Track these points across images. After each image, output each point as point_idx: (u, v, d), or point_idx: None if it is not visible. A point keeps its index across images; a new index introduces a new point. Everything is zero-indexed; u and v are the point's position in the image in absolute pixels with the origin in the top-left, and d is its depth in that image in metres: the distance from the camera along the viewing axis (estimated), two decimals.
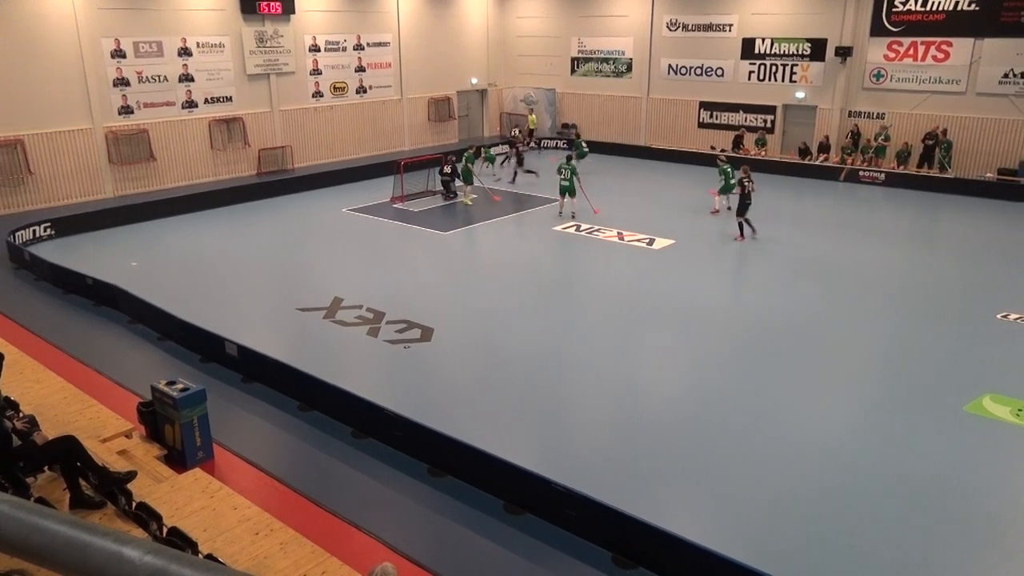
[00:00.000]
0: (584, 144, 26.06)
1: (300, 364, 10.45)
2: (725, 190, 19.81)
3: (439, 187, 22.99)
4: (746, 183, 17.64)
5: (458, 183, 22.38)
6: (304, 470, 8.78)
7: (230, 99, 24.40)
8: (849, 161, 25.11)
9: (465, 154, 22.57)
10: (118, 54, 21.65)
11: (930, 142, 24.01)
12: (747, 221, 17.82)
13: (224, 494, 7.28)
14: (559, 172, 20.13)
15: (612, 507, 7.27)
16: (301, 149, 26.45)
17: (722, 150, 27.63)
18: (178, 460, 8.24)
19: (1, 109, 19.68)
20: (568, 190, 19.92)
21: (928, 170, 23.96)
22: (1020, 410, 9.94)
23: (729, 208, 19.37)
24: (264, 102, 25.37)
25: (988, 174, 23.20)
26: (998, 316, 13.16)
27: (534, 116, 31.92)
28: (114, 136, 21.79)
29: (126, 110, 22.08)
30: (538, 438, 9.46)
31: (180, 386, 8.43)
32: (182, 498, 7.16)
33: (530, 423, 9.83)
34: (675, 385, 11.03)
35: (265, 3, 24.24)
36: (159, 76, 22.59)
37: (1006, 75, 22.76)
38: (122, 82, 21.87)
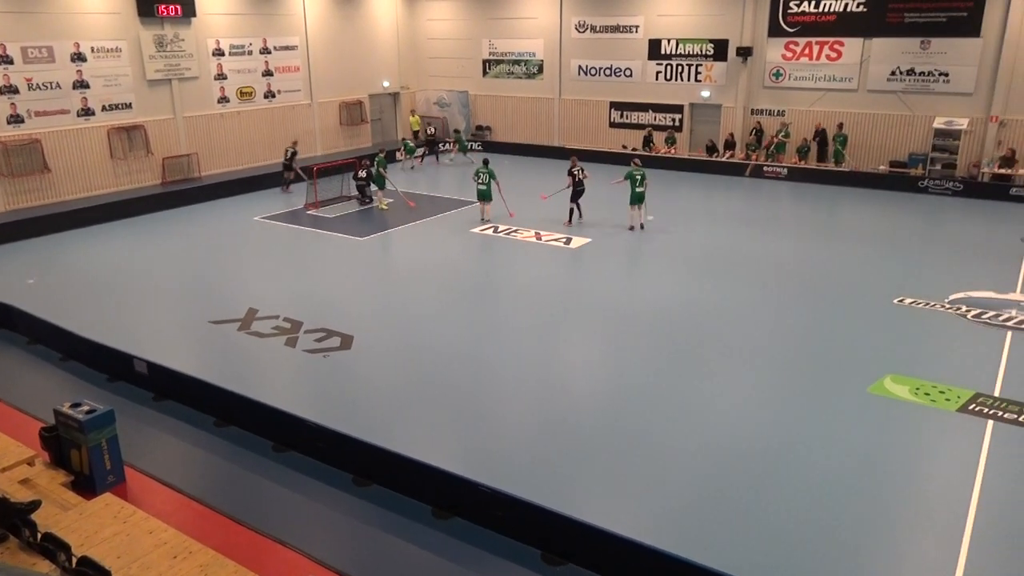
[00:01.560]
0: (464, 139, 27.18)
1: (215, 379, 10.13)
2: (636, 200, 18.48)
3: (354, 192, 22.67)
4: (576, 172, 19.15)
5: (372, 188, 22.13)
6: (224, 488, 8.51)
7: (130, 106, 23.39)
8: (754, 157, 26.09)
9: (377, 158, 22.34)
10: (5, 60, 20.44)
11: (816, 139, 25.32)
12: (578, 206, 19.43)
13: (138, 518, 6.98)
14: (476, 177, 20.14)
15: (539, 505, 7.34)
16: (208, 156, 25.60)
17: (633, 149, 28.28)
18: (87, 486, 7.85)
19: None
20: (485, 195, 19.91)
21: (826, 164, 25.15)
22: (918, 388, 10.55)
23: (643, 227, 18.72)
24: (166, 108, 24.43)
25: (881, 167, 24.53)
26: (895, 301, 13.93)
27: (416, 118, 32.00)
28: (3, 147, 20.55)
29: (15, 119, 20.86)
30: (463, 441, 9.46)
31: (86, 408, 8.03)
32: (92, 525, 6.83)
33: (455, 426, 9.81)
34: (596, 381, 11.21)
35: (164, 5, 23.34)
36: (51, 83, 21.45)
37: (893, 73, 24.11)
38: (10, 89, 20.66)
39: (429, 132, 29.03)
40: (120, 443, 8.22)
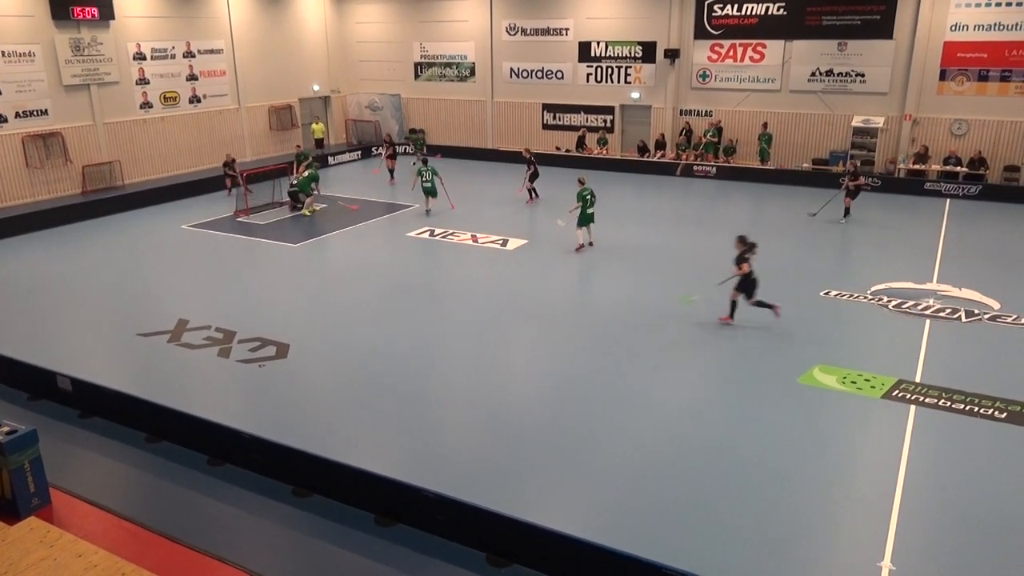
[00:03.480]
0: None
1: (145, 393, 9.82)
2: (586, 221, 17.24)
3: (286, 198, 22.27)
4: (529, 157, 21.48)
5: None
6: (157, 506, 8.24)
7: (46, 112, 22.45)
8: (684, 157, 26.66)
9: (305, 152, 22.08)
10: None
11: (715, 139, 26.44)
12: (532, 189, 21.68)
13: (66, 542, 6.73)
14: (420, 175, 20.63)
15: (482, 507, 7.34)
16: (131, 164, 24.76)
17: (567, 150, 28.54)
18: (9, 511, 7.50)
19: None
20: (431, 191, 20.63)
21: (752, 163, 25.90)
22: (845, 377, 10.95)
23: (592, 244, 17.61)
24: (86, 115, 23.53)
25: (804, 164, 25.38)
26: (821, 293, 14.43)
27: (320, 125, 31.27)
28: None
29: None
30: (404, 446, 9.38)
31: (6, 429, 7.68)
32: (16, 552, 6.55)
33: (395, 432, 9.72)
34: (535, 381, 11.27)
35: (79, 8, 22.48)
36: None
37: (813, 74, 24.98)
38: None
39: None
40: (44, 464, 7.89)
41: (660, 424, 9.77)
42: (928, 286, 14.77)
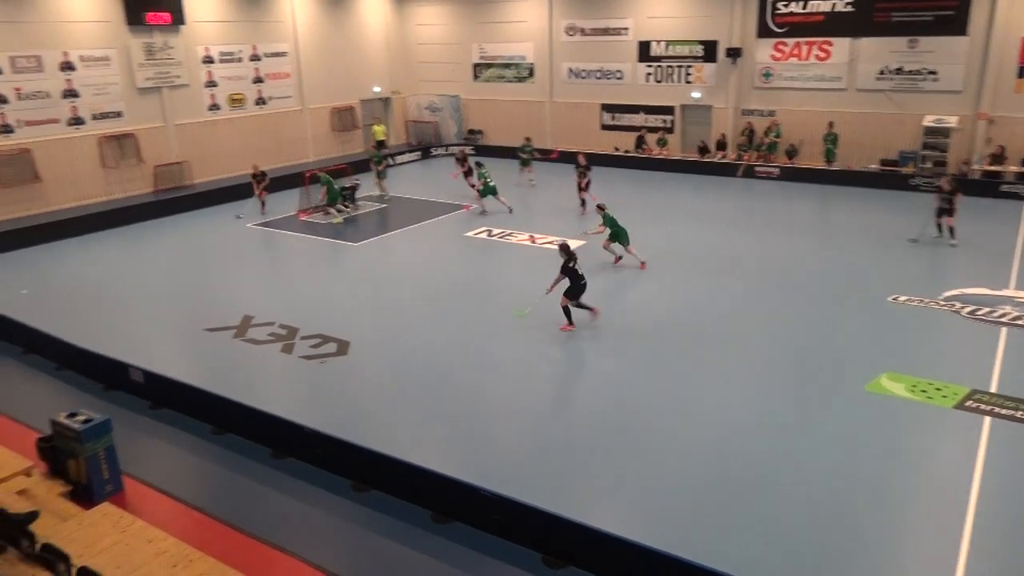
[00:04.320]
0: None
1: (211, 386, 10.10)
2: (616, 238, 16.24)
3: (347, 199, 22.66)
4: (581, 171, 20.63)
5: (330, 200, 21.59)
6: (222, 496, 8.47)
7: (120, 114, 23.31)
8: (745, 157, 26.17)
9: (323, 176, 21.52)
10: None
11: (777, 139, 25.82)
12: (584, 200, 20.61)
13: (137, 527, 6.96)
14: (484, 178, 20.99)
15: (538, 508, 7.33)
16: (200, 164, 25.52)
17: (626, 151, 28.31)
18: (84, 496, 7.82)
19: None
20: (492, 190, 20.83)
21: (816, 163, 25.26)
22: (915, 386, 10.59)
23: (620, 259, 16.46)
24: (157, 116, 24.35)
25: (872, 165, 24.64)
26: (889, 299, 13.98)
27: (382, 126, 31.03)
28: None
29: (5, 129, 20.77)
30: (462, 445, 9.44)
31: (83, 417, 8.01)
32: (91, 535, 6.80)
33: (453, 430, 9.79)
34: (594, 383, 11.21)
35: (152, 13, 23.27)
36: (40, 92, 21.36)
37: (882, 72, 24.23)
38: None
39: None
40: (117, 452, 8.20)
41: (719, 430, 9.60)
42: (1005, 292, 14.17)
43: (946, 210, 17.40)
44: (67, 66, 21.85)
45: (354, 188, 22.53)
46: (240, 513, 7.95)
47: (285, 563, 7.12)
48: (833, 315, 13.36)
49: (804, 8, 24.97)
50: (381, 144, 30.08)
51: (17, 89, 20.86)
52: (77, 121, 22.26)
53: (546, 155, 27.90)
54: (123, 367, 10.83)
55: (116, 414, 9.39)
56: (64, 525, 6.99)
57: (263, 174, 21.85)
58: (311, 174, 22.22)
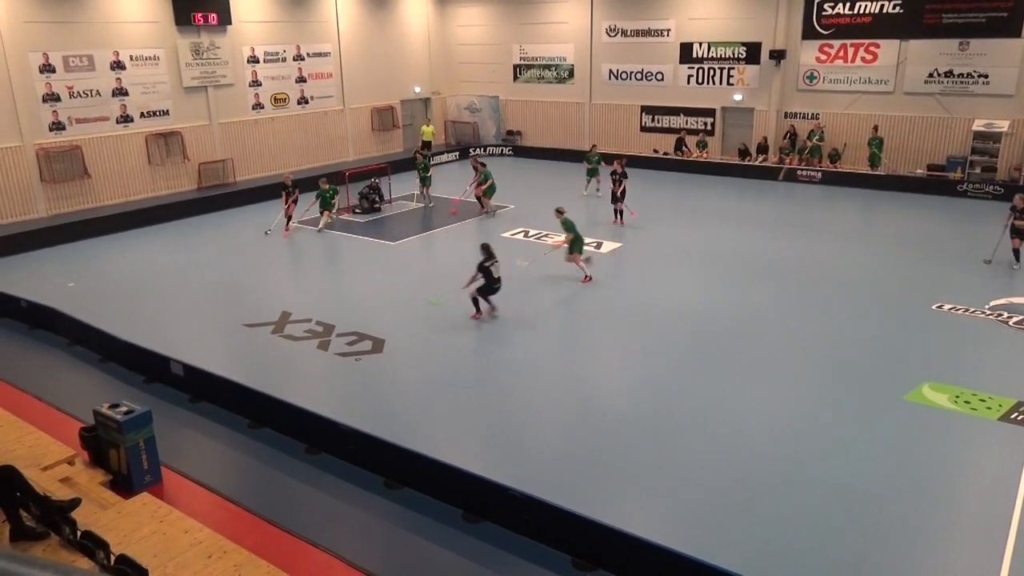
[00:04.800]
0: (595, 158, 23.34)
1: (249, 381, 10.26)
2: (573, 246, 15.39)
3: (385, 196, 22.85)
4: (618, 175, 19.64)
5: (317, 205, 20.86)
6: (257, 489, 8.61)
7: (167, 113, 23.83)
8: (787, 161, 25.79)
9: (327, 193, 20.50)
10: (47, 69, 20.96)
11: (821, 142, 25.37)
12: (620, 210, 19.84)
13: (174, 518, 7.09)
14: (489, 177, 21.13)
15: (569, 510, 7.31)
16: (243, 162, 25.98)
17: (665, 153, 28.11)
18: (124, 485, 8.00)
19: None
20: (493, 189, 21.15)
21: (860, 168, 24.77)
22: (957, 396, 10.33)
23: (589, 277, 15.38)
24: (203, 115, 24.85)
25: (918, 170, 24.10)
26: (933, 307, 13.66)
27: (431, 127, 30.84)
28: (45, 153, 21.07)
29: (57, 126, 21.38)
30: (494, 445, 9.46)
31: (124, 409, 8.19)
32: (130, 524, 6.95)
33: (485, 430, 9.82)
34: (628, 385, 11.14)
35: (200, 14, 23.76)
36: (91, 91, 21.94)
37: (931, 75, 23.68)
38: (52, 97, 21.18)
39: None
40: (157, 443, 8.37)
41: (755, 436, 9.47)
42: None
43: (1019, 231, 15.84)
44: (117, 65, 22.41)
45: (372, 188, 22.44)
46: (274, 506, 8.07)
47: (316, 557, 7.20)
48: (873, 322, 13.11)
49: (851, 10, 24.52)
50: (427, 145, 29.96)
51: (70, 87, 21.46)
52: (126, 119, 22.82)
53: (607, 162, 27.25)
54: (164, 360, 11.07)
55: (156, 406, 9.59)
56: (104, 513, 7.15)
57: (294, 187, 20.18)
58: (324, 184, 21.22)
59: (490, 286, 13.18)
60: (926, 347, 12.03)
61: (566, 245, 15.51)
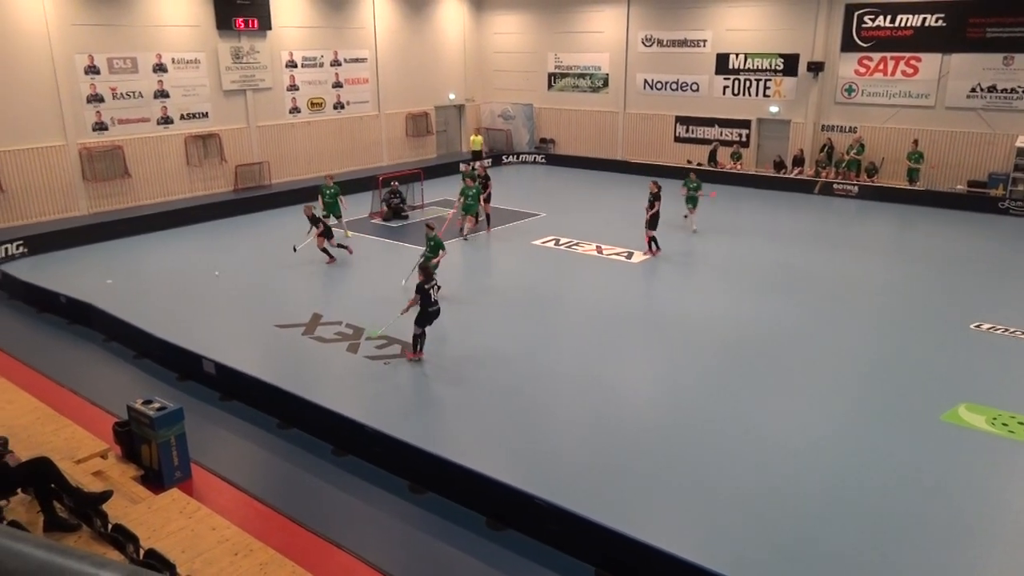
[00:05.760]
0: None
1: (279, 381, 10.36)
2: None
3: (418, 202, 22.98)
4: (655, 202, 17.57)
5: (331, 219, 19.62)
6: (284, 489, 8.68)
7: (206, 115, 24.25)
8: (823, 174, 25.46)
9: (330, 189, 19.67)
10: (92, 70, 21.46)
11: (859, 156, 24.97)
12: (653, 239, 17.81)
13: (202, 514, 7.18)
14: (463, 195, 19.50)
15: (594, 521, 7.25)
16: (279, 165, 26.32)
17: (699, 164, 27.93)
18: (155, 480, 8.11)
19: None
20: (471, 208, 19.43)
21: (898, 182, 24.36)
22: (995, 418, 10.08)
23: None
24: (241, 118, 25.24)
25: (958, 186, 23.63)
26: (971, 326, 13.36)
27: (480, 136, 30.61)
28: (88, 153, 21.55)
29: (100, 126, 21.87)
30: (520, 452, 9.43)
31: (157, 405, 8.32)
32: (159, 519, 7.05)
33: (512, 437, 9.79)
34: (657, 397, 11.05)
35: (241, 19, 24.16)
36: (134, 92, 22.42)
37: (973, 89, 23.24)
38: (96, 98, 21.68)
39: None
40: (188, 440, 8.48)
41: (787, 454, 9.33)
42: None
43: None
44: (159, 68, 22.87)
45: (393, 192, 22.22)
46: (300, 507, 8.12)
47: (340, 559, 7.23)
48: (909, 340, 12.86)
49: (892, 22, 24.18)
50: (477, 155, 29.44)
51: (113, 89, 21.94)
52: (166, 120, 23.26)
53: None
54: (197, 358, 11.22)
55: (188, 403, 9.72)
56: (135, 508, 7.27)
57: (316, 220, 17.38)
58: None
59: (426, 313, 11.72)
60: (964, 367, 11.77)
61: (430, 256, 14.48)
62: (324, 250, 17.35)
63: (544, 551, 7.50)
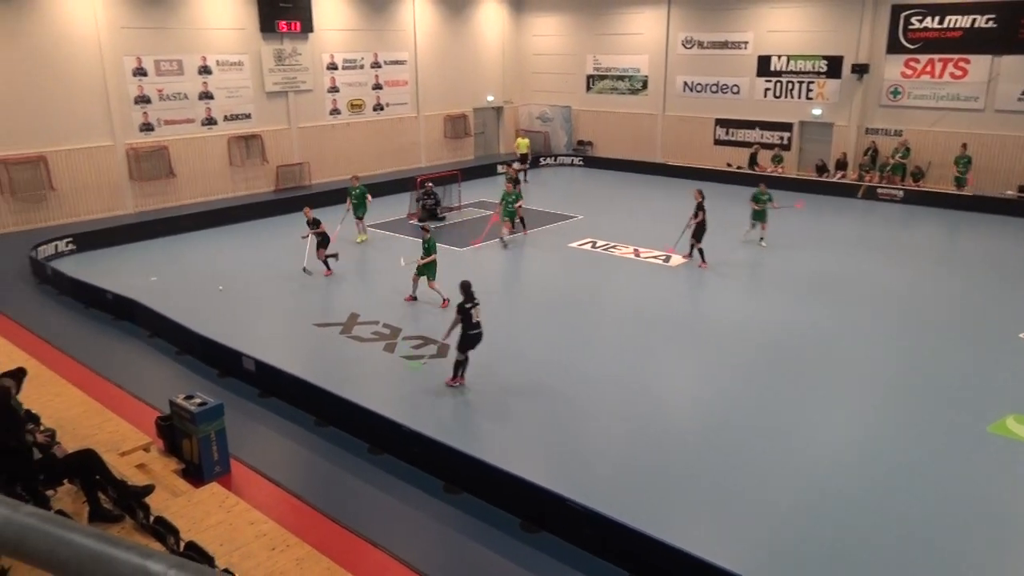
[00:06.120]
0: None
1: (317, 379, 10.47)
2: (425, 271, 14.59)
3: (455, 203, 23.09)
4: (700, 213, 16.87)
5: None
6: (320, 486, 8.77)
7: (249, 116, 24.66)
8: (867, 178, 24.98)
9: (356, 189, 19.48)
10: (139, 72, 21.98)
11: (904, 160, 24.44)
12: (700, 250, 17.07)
13: (241, 509, 7.29)
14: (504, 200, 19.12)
15: (628, 525, 7.20)
16: (318, 165, 26.66)
17: (738, 167, 27.62)
18: (195, 474, 8.26)
19: (25, 126, 20.01)
20: (511, 215, 19.06)
21: (945, 187, 23.78)
22: None
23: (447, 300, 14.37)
24: (282, 119, 25.62)
25: (1008, 191, 23.00)
26: (1020, 335, 12.99)
27: (526, 140, 29.34)
28: (135, 153, 22.07)
29: (147, 127, 22.37)
30: (555, 455, 9.41)
31: (198, 400, 8.47)
32: (199, 512, 7.18)
33: (547, 440, 9.77)
34: (693, 402, 10.94)
35: (284, 21, 24.53)
36: (179, 94, 22.89)
37: None
38: (143, 99, 22.19)
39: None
40: (227, 436, 8.62)
41: (828, 461, 9.16)
42: None
43: None
44: (204, 70, 23.32)
45: (427, 193, 22.12)
46: (335, 504, 8.20)
47: (374, 556, 7.28)
48: (955, 349, 12.54)
49: (941, 24, 23.64)
50: (524, 158, 28.33)
51: (160, 90, 22.44)
52: (210, 121, 23.71)
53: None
54: (237, 355, 11.40)
55: (228, 399, 9.88)
56: (175, 501, 7.41)
57: (315, 222, 16.63)
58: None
59: (467, 334, 10.88)
60: (1013, 377, 11.44)
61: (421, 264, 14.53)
62: (324, 261, 16.56)
63: (578, 555, 7.46)
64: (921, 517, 8.04)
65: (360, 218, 19.56)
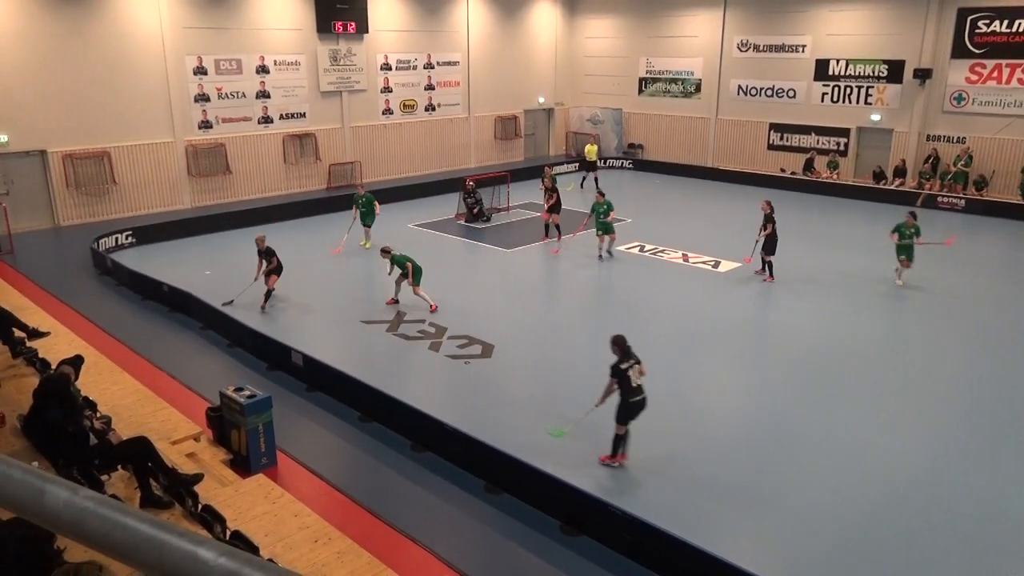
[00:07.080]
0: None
1: (362, 376, 10.60)
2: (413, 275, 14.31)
3: (503, 204, 23.14)
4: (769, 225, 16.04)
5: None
6: (363, 481, 8.88)
7: (303, 115, 25.11)
8: (927, 186, 24.27)
9: (363, 198, 19.38)
10: (200, 71, 22.56)
11: (966, 168, 23.71)
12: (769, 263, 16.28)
13: (286, 501, 7.43)
14: (593, 211, 18.08)
15: (668, 532, 7.13)
16: (370, 165, 27.01)
17: (792, 172, 27.10)
18: (243, 465, 8.44)
19: (90, 123, 20.71)
20: (607, 227, 17.88)
21: (1010, 197, 22.97)
22: None
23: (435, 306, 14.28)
24: (335, 118, 26.02)
25: None
26: None
27: (595, 147, 28.01)
28: (193, 149, 22.66)
29: (205, 125, 22.95)
30: (596, 458, 9.34)
31: (247, 393, 8.64)
32: (245, 503, 7.33)
33: (588, 442, 9.71)
34: (739, 409, 10.77)
35: (340, 22, 24.92)
36: (237, 92, 23.43)
37: None
38: (203, 98, 22.76)
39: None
40: (274, 428, 8.78)
41: (881, 483, 8.89)
42: None
43: None
44: (262, 69, 23.83)
45: (468, 193, 22.04)
46: (377, 499, 8.29)
47: (414, 552, 7.34)
48: (1022, 365, 12.09)
49: (1009, 28, 22.84)
50: (592, 165, 27.18)
51: (219, 89, 23.00)
52: (266, 120, 24.21)
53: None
54: (286, 350, 11.62)
55: (277, 392, 10.08)
56: (223, 490, 7.58)
57: (268, 253, 14.75)
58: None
59: (627, 402, 8.86)
60: None
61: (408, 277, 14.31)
62: (269, 292, 14.47)
63: (617, 560, 7.41)
64: (985, 542, 7.76)
65: (368, 226, 19.29)
